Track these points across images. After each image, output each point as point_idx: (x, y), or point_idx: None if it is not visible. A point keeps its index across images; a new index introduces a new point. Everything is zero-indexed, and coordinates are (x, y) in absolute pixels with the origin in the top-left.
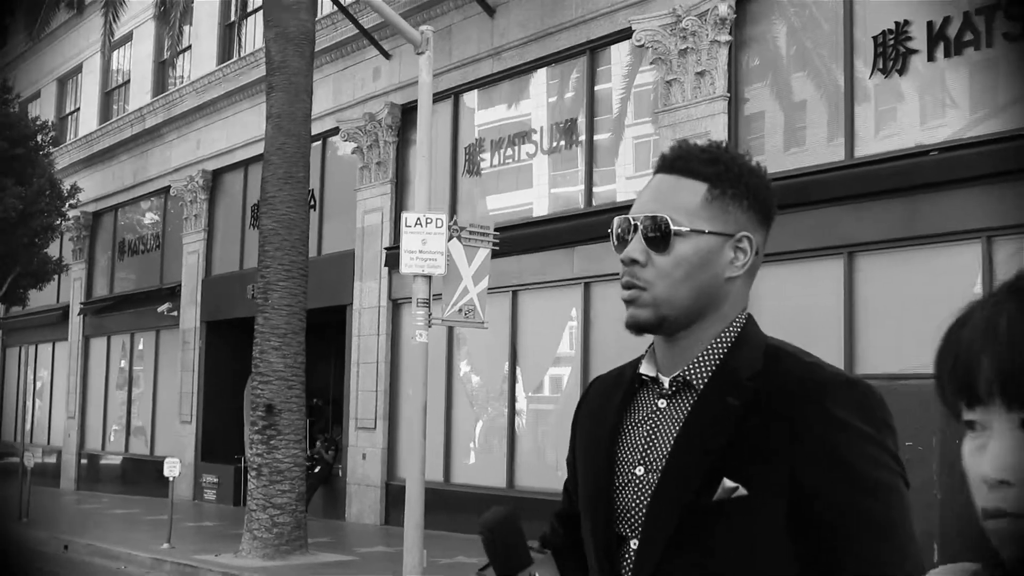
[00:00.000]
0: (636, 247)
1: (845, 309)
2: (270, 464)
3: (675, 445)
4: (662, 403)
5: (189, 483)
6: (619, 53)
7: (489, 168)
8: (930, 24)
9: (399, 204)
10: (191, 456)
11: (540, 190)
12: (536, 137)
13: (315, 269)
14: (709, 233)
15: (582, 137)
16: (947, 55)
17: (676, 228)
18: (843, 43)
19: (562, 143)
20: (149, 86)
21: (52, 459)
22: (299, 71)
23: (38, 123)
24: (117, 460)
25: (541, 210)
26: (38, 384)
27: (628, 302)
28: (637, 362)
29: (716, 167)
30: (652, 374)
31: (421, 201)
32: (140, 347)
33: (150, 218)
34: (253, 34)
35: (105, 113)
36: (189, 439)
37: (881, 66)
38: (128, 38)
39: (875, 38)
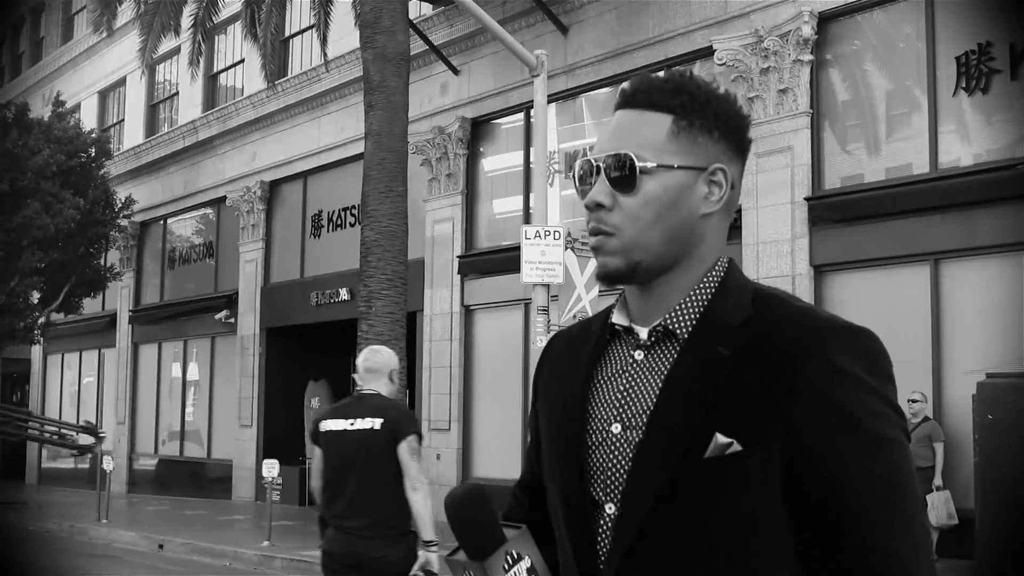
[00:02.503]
0: (600, 190)
1: (932, 314)
2: None
3: (660, 399)
4: (639, 355)
5: (251, 485)
6: (697, 71)
7: (564, 179)
8: (1012, 45)
9: (469, 214)
10: (252, 459)
11: None
12: None
13: None
14: (678, 168)
15: None
16: None
17: (642, 165)
18: (925, 62)
19: None
20: (199, 99)
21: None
22: (397, 90)
23: (92, 136)
24: (171, 464)
25: None
26: (83, 390)
27: (596, 249)
28: (605, 313)
29: (680, 97)
30: (625, 323)
31: (539, 215)
32: (194, 353)
33: (202, 228)
34: (304, 50)
35: (151, 125)
36: (250, 443)
37: (964, 84)
38: (175, 51)
39: (958, 58)
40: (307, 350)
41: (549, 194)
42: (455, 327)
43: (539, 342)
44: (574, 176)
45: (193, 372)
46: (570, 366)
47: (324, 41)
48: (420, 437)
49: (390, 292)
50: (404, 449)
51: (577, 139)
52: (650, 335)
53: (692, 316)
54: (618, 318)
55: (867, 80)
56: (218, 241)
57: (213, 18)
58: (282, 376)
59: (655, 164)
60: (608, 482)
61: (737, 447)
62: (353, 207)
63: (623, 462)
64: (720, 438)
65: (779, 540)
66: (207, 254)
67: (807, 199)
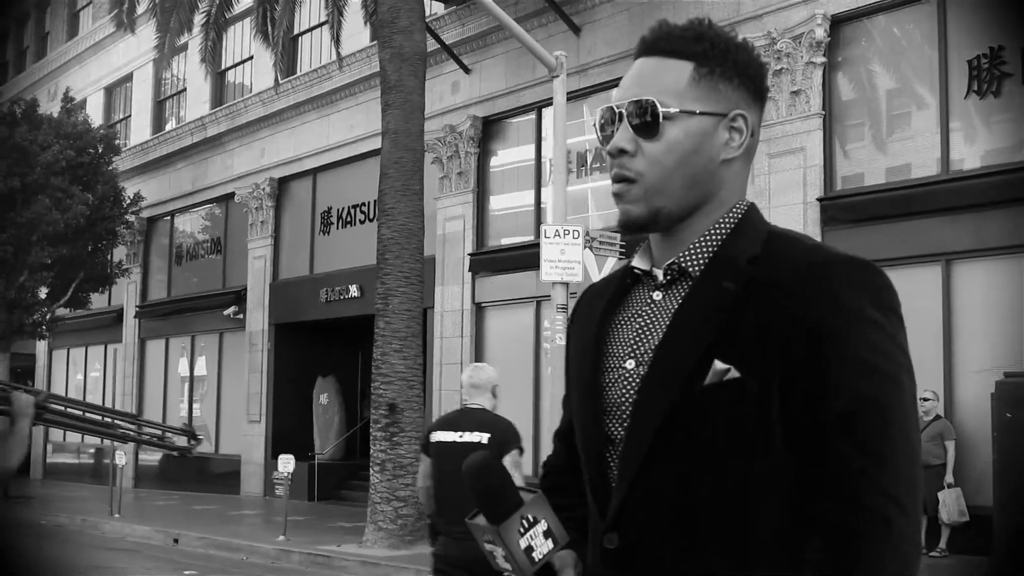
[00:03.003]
0: (623, 136)
1: (943, 314)
2: (393, 460)
3: (666, 332)
4: (657, 295)
5: (260, 480)
6: None
7: (575, 179)
8: (1023, 50)
9: (480, 212)
10: (260, 454)
11: None
12: None
13: None
14: (700, 114)
15: None
16: None
17: (664, 110)
18: (937, 65)
19: None
20: (207, 96)
21: (106, 459)
22: (413, 90)
23: (101, 132)
24: (177, 459)
25: None
26: (88, 385)
27: (618, 196)
28: (628, 263)
29: (701, 44)
30: (646, 267)
31: (558, 214)
32: (202, 349)
33: (210, 224)
34: (312, 47)
35: (158, 122)
36: (258, 438)
37: (976, 88)
38: (183, 48)
39: (969, 62)
40: (316, 346)
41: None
42: (466, 324)
43: (558, 340)
44: (595, 125)
45: (201, 367)
46: (591, 314)
47: (337, 41)
48: (522, 451)
49: (407, 289)
50: (508, 462)
51: (590, 137)
52: (665, 274)
53: (706, 255)
54: (639, 262)
55: (879, 82)
56: (226, 237)
57: (227, 15)
58: (291, 372)
59: (678, 110)
60: (622, 416)
61: (735, 373)
62: (363, 204)
63: (633, 395)
64: (719, 364)
65: (778, 466)
66: (215, 250)
67: (819, 199)
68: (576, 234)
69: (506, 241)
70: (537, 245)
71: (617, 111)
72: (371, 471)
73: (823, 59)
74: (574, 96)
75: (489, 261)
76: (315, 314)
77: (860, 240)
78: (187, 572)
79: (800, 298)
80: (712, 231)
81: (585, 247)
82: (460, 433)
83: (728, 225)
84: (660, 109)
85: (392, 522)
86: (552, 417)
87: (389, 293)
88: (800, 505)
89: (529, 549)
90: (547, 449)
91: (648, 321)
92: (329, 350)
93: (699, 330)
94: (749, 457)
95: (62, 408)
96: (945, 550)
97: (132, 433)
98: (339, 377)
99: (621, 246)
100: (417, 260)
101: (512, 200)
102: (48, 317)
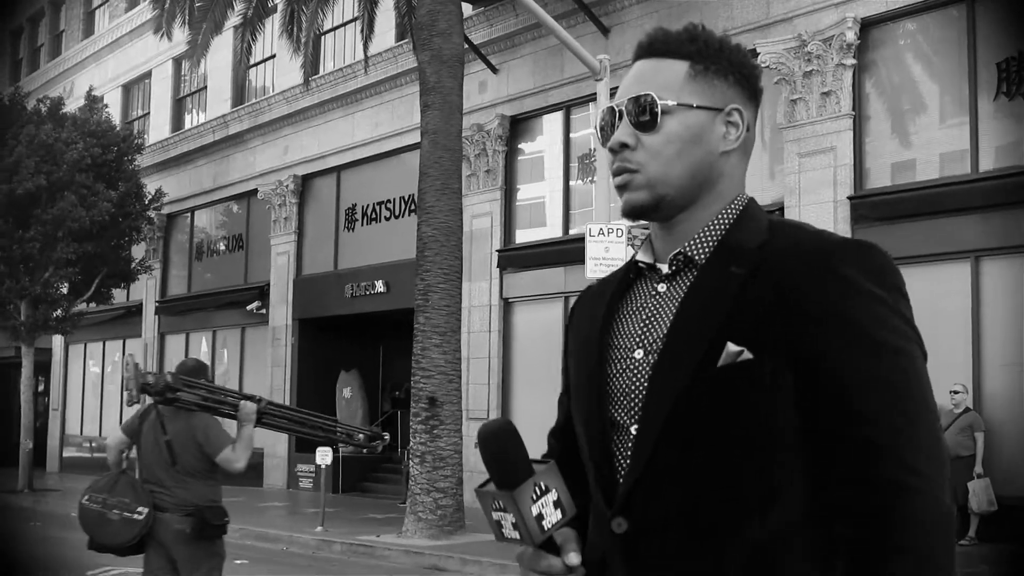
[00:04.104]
0: (623, 131)
1: (972, 309)
2: (433, 452)
3: (675, 317)
4: (661, 287)
5: (283, 473)
6: None
7: (603, 177)
8: None
9: (508, 209)
10: (283, 448)
11: None
12: None
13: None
14: (698, 107)
15: None
16: None
17: (663, 104)
18: (967, 68)
19: None
20: (228, 94)
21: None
22: (452, 91)
23: (125, 130)
24: None
25: None
26: (105, 380)
27: (621, 187)
28: (630, 260)
29: (696, 43)
30: (649, 261)
31: (602, 213)
32: (224, 344)
33: (230, 220)
34: (336, 46)
35: (177, 119)
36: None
37: (1005, 90)
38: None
39: (998, 64)
40: (339, 341)
41: (588, 191)
42: (494, 319)
43: None
44: (595, 126)
45: (222, 362)
46: (593, 307)
47: (366, 44)
48: None
49: (446, 286)
50: None
51: None
52: (671, 264)
53: (711, 244)
54: (642, 256)
55: (908, 84)
56: (248, 233)
57: (261, 18)
58: (314, 366)
59: (675, 103)
60: (630, 404)
61: (748, 355)
62: (388, 201)
63: (644, 384)
64: (731, 347)
65: (791, 448)
66: (236, 246)
67: (849, 198)
68: (619, 232)
69: (534, 238)
70: (564, 241)
71: (617, 110)
72: (411, 463)
73: (853, 61)
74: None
75: (517, 257)
76: (339, 309)
77: (889, 237)
78: (237, 561)
79: (806, 281)
80: (715, 221)
81: (628, 244)
82: None
83: (731, 216)
84: (659, 102)
85: (432, 512)
86: None
87: (429, 289)
88: (815, 490)
89: (540, 517)
90: None
91: (654, 312)
92: (352, 344)
93: (709, 314)
94: (763, 441)
95: (278, 413)
96: (975, 538)
97: (332, 433)
98: (362, 371)
99: None
100: (456, 257)
101: (540, 197)
102: (71, 312)
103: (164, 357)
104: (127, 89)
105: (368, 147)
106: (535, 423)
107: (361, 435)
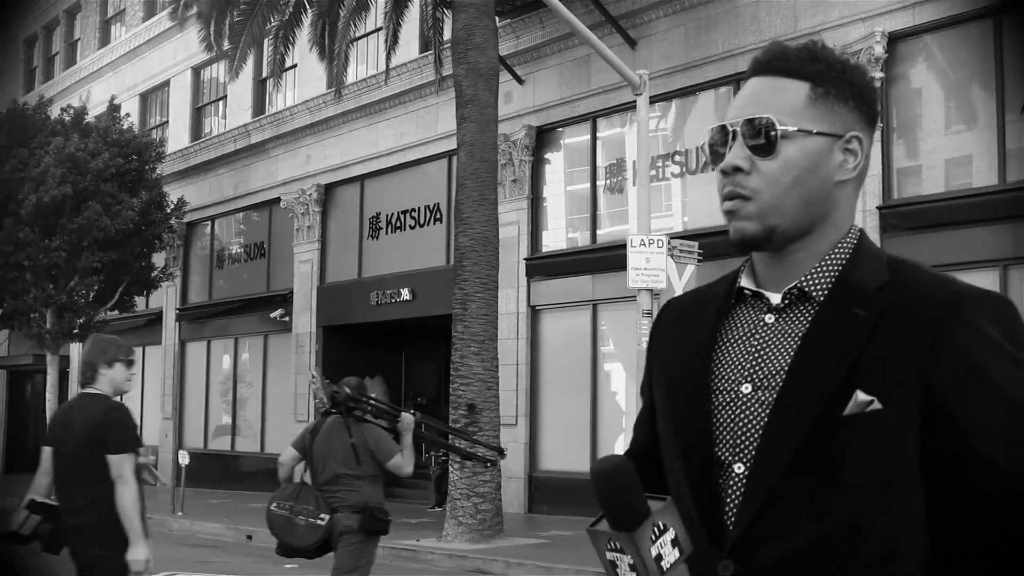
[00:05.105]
0: (738, 154)
1: None
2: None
3: (796, 359)
4: (770, 318)
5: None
6: None
7: (630, 186)
8: None
9: (535, 218)
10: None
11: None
12: (680, 159)
13: (445, 279)
14: (817, 134)
15: None
16: None
17: (783, 129)
18: (994, 81)
19: (709, 165)
20: (249, 103)
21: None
22: (488, 103)
23: (146, 139)
24: (221, 457)
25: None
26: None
27: (730, 213)
28: (727, 279)
29: (817, 64)
30: (754, 288)
31: (643, 224)
32: (246, 351)
33: (250, 228)
34: (359, 57)
35: (196, 128)
36: None
37: None
38: (224, 56)
39: None
40: (363, 348)
41: (615, 200)
42: (522, 326)
43: (644, 343)
44: (704, 144)
45: (245, 369)
46: (690, 330)
47: (389, 56)
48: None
49: (484, 295)
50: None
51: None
52: (784, 297)
53: (828, 279)
54: (746, 282)
55: (936, 96)
56: (270, 241)
57: (296, 30)
58: (338, 373)
59: (795, 128)
60: (737, 442)
61: (877, 405)
62: (413, 210)
63: (755, 421)
64: (861, 395)
65: (910, 499)
66: (258, 254)
67: (879, 208)
68: (660, 243)
69: (561, 246)
70: (591, 250)
71: (730, 130)
72: (451, 468)
73: (881, 74)
74: (628, 107)
75: (545, 266)
76: (365, 316)
77: (918, 247)
78: (288, 565)
79: (939, 332)
80: (832, 255)
81: (668, 255)
82: None
83: (847, 249)
84: (778, 127)
85: (472, 517)
86: (610, 419)
87: (467, 298)
88: (935, 541)
89: (659, 558)
90: (606, 453)
91: (764, 345)
92: (375, 351)
93: (835, 359)
94: (884, 491)
95: (427, 425)
96: None
97: (462, 447)
98: (385, 378)
99: (699, 254)
100: (493, 267)
101: (567, 206)
102: (95, 320)
103: (185, 364)
104: (144, 98)
105: (392, 156)
106: (563, 427)
107: (482, 449)
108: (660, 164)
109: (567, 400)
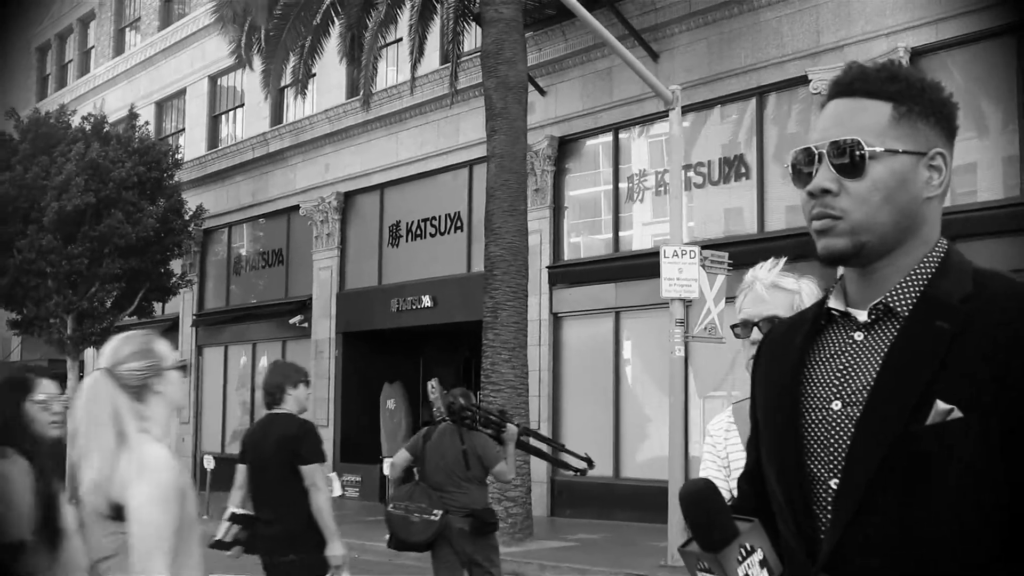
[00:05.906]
0: (825, 175)
1: None
2: None
3: (881, 372)
4: (858, 336)
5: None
6: (789, 97)
7: (655, 196)
8: None
9: (557, 227)
10: (328, 458)
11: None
12: (703, 170)
13: (466, 286)
14: (903, 153)
15: (752, 171)
16: None
17: (870, 150)
18: (1015, 96)
19: (731, 176)
20: (267, 112)
21: None
22: (518, 116)
23: (166, 147)
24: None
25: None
26: None
27: (821, 232)
28: (820, 302)
29: (897, 84)
30: (842, 308)
31: (675, 235)
32: (265, 357)
33: (269, 235)
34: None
35: (213, 136)
36: (326, 442)
37: None
38: (240, 65)
39: None
40: (382, 354)
41: (637, 210)
42: (544, 333)
43: (677, 352)
44: (788, 165)
45: (263, 374)
46: (782, 354)
47: (414, 67)
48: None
49: (514, 303)
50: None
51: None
52: (870, 313)
53: (913, 294)
54: (835, 303)
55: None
56: (288, 248)
57: (323, 42)
58: (357, 378)
59: (882, 149)
60: (829, 457)
61: (958, 413)
62: (434, 218)
63: (845, 437)
64: (941, 404)
65: (997, 506)
66: (276, 261)
67: None
68: (692, 254)
69: (583, 255)
70: (614, 259)
71: (816, 152)
72: None
73: None
74: (652, 119)
75: (567, 274)
76: (385, 323)
77: None
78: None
79: (1017, 337)
80: (917, 270)
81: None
82: None
83: (932, 264)
84: (865, 148)
85: (503, 521)
86: (632, 425)
87: (498, 307)
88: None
89: None
90: (628, 459)
91: (852, 361)
92: (394, 357)
93: (917, 370)
94: (970, 500)
95: (528, 434)
96: None
97: (557, 457)
98: (405, 383)
99: (729, 264)
100: (522, 276)
101: (589, 216)
102: (114, 326)
103: (202, 370)
104: (160, 106)
105: (413, 165)
106: (585, 432)
107: (572, 458)
108: (682, 175)
109: (589, 406)
